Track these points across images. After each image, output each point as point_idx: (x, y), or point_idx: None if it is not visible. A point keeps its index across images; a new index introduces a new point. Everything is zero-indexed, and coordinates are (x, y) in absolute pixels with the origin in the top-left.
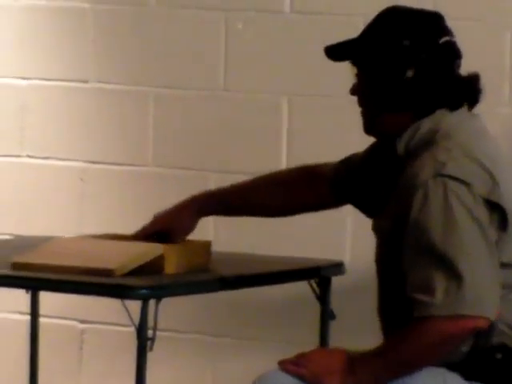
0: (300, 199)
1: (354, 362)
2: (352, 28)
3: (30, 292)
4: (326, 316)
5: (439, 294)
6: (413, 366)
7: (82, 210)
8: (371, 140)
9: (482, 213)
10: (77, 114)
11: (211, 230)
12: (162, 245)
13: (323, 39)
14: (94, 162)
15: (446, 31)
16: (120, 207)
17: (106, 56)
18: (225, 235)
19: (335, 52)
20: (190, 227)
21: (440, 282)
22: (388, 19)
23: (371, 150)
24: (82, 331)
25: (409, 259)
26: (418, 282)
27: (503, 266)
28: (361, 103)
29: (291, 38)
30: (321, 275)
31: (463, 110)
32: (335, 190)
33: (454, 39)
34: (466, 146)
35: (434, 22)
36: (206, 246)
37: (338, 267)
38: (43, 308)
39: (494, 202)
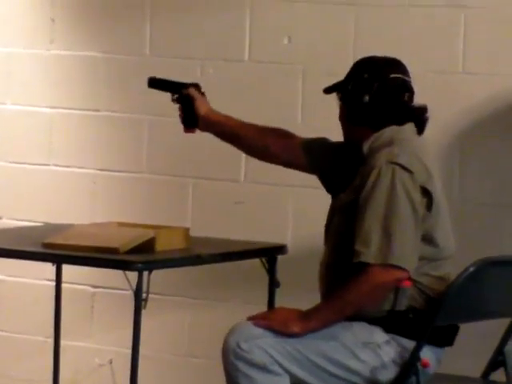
0: (276, 147)
1: (309, 311)
2: (293, 74)
3: (55, 264)
4: (273, 284)
5: (373, 247)
6: (354, 308)
7: (94, 205)
8: None
9: (417, 195)
10: (91, 134)
11: (189, 220)
12: (153, 229)
13: (272, 81)
14: (102, 170)
15: (399, 70)
16: (121, 203)
17: (113, 93)
18: (199, 223)
19: (327, 89)
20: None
21: (376, 238)
22: (359, 63)
23: (342, 145)
24: (93, 294)
25: (357, 219)
26: (360, 237)
27: (423, 239)
28: (341, 124)
29: (249, 79)
30: (269, 254)
31: (411, 127)
32: (306, 153)
33: (407, 78)
34: (413, 149)
35: (390, 63)
36: (186, 231)
37: (282, 248)
38: (65, 276)
39: (427, 190)
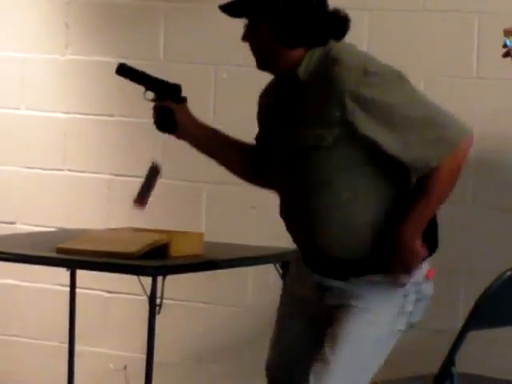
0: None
1: (413, 236)
2: None
3: (69, 270)
4: None
5: (446, 132)
6: (443, 199)
7: (108, 210)
8: None
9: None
10: (105, 139)
11: (203, 225)
12: (167, 235)
13: None
14: (116, 175)
15: None
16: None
17: (127, 98)
18: (213, 229)
19: (231, 9)
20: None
21: (438, 129)
22: None
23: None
24: (107, 299)
25: (386, 138)
26: (422, 142)
27: None
28: (252, 47)
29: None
30: (283, 259)
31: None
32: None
33: None
34: (360, 52)
35: None
36: (200, 236)
37: (296, 253)
38: (79, 281)
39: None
